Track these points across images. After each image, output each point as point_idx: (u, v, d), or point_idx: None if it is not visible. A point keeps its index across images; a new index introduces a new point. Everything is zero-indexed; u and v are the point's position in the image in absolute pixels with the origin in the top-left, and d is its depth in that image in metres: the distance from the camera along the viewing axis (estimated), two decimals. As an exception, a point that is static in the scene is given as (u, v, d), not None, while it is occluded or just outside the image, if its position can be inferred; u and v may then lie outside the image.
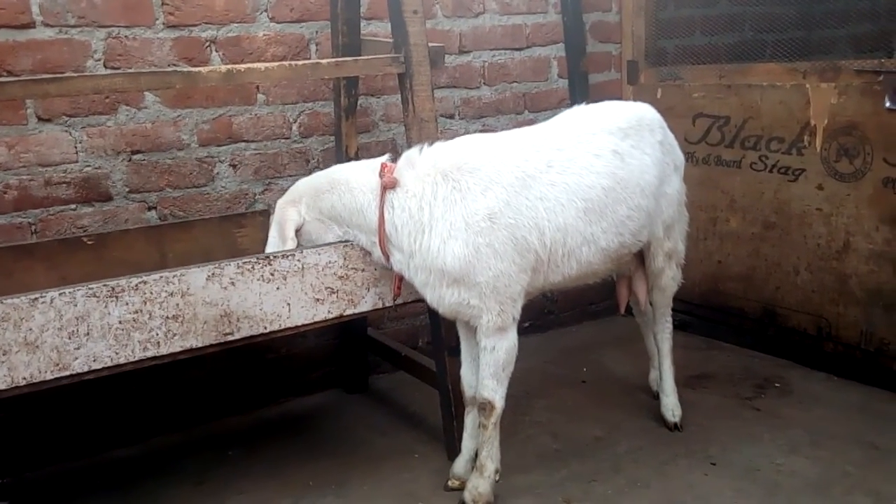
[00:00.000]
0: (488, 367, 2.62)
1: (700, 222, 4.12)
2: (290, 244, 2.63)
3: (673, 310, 3.25)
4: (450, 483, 2.85)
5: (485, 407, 2.66)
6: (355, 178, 2.65)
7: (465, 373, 2.83)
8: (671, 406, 3.21)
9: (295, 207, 2.70)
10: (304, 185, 2.77)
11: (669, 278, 3.12)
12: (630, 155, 2.77)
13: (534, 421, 3.36)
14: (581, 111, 2.91)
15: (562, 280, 2.72)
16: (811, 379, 3.61)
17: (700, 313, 4.19)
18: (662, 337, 3.23)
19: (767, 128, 3.77)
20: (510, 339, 2.62)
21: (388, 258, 2.62)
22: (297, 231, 2.68)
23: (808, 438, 3.08)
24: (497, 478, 2.73)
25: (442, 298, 2.56)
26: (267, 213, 3.25)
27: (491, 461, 2.70)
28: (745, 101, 3.85)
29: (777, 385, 3.57)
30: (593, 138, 2.73)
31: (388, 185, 2.56)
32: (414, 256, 2.55)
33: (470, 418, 2.84)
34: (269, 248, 2.70)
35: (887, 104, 3.29)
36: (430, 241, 2.50)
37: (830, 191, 3.55)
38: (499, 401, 2.65)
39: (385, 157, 2.69)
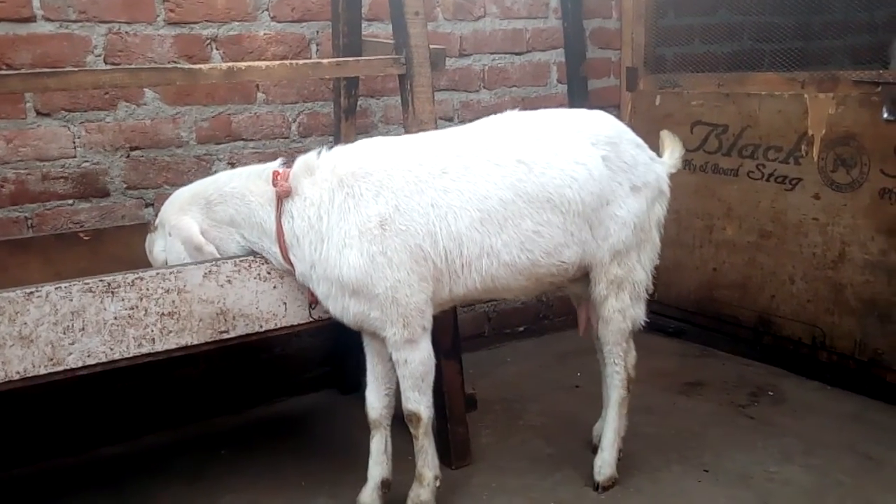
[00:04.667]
0: (406, 381, 2.53)
1: (696, 230, 4.14)
2: (208, 248, 2.49)
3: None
4: None
5: (412, 419, 2.58)
6: (249, 189, 2.51)
7: (369, 394, 2.70)
8: (601, 463, 2.84)
9: (187, 215, 2.53)
10: (187, 195, 2.59)
11: (615, 310, 2.73)
12: (547, 166, 2.52)
13: (528, 425, 3.35)
14: (507, 117, 2.69)
15: (466, 292, 2.55)
16: (805, 388, 3.61)
17: (695, 321, 4.20)
18: (610, 382, 2.86)
19: (765, 137, 3.78)
20: (423, 350, 2.51)
21: (293, 268, 2.50)
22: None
23: (801, 447, 3.08)
24: (438, 484, 2.68)
25: (346, 310, 2.46)
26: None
27: (428, 469, 2.65)
28: (743, 110, 3.86)
29: (771, 393, 3.57)
30: (497, 146, 2.54)
31: (282, 195, 2.45)
32: (315, 267, 2.44)
33: (374, 442, 2.70)
34: (175, 261, 2.51)
35: (885, 115, 3.30)
36: (328, 250, 2.40)
37: (827, 201, 3.56)
38: (424, 410, 2.57)
39: (276, 164, 2.55)
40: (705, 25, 4.50)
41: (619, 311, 2.74)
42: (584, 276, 2.74)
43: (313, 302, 2.59)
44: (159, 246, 2.60)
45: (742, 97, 3.86)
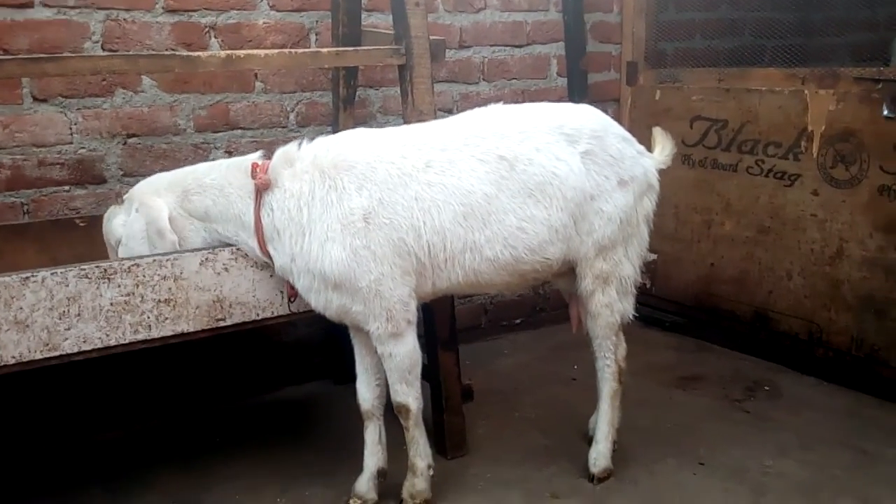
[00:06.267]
0: (393, 374, 2.54)
1: (695, 225, 4.13)
2: (171, 237, 2.45)
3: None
4: (351, 502, 2.71)
5: (401, 411, 2.58)
6: (228, 181, 2.48)
7: (360, 386, 2.69)
8: (596, 455, 2.84)
9: (161, 198, 2.50)
10: (164, 181, 2.56)
11: (602, 305, 2.72)
12: (528, 162, 2.51)
13: (523, 416, 3.35)
14: (491, 111, 2.67)
15: (449, 286, 2.54)
16: (801, 383, 3.61)
17: (692, 315, 4.20)
18: (602, 375, 2.86)
19: (765, 132, 3.78)
20: (408, 343, 2.50)
21: (271, 261, 2.48)
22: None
23: (796, 441, 3.08)
24: (431, 473, 2.68)
25: (329, 303, 2.45)
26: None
27: (420, 459, 2.65)
28: (743, 106, 3.85)
29: (767, 388, 3.57)
30: (481, 141, 2.51)
31: (262, 187, 2.42)
32: (296, 260, 2.41)
33: (368, 433, 2.70)
34: (139, 246, 2.46)
35: (885, 112, 3.30)
36: (310, 244, 2.38)
37: (825, 197, 3.55)
38: (413, 402, 2.57)
39: (256, 156, 2.53)
40: (706, 20, 4.51)
41: (607, 305, 2.74)
42: (570, 270, 2.73)
43: (293, 296, 2.58)
44: (120, 219, 2.55)
45: (742, 93, 3.85)
